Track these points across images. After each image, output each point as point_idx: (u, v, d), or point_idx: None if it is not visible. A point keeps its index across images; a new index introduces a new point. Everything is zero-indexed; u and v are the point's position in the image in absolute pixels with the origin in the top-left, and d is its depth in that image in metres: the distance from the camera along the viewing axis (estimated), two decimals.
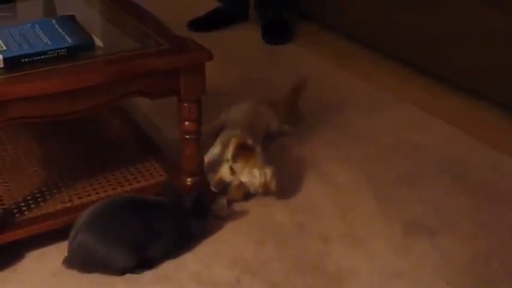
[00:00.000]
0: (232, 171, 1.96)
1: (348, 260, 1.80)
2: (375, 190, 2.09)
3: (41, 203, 1.85)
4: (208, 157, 2.03)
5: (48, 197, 1.87)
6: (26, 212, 1.81)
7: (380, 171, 2.19)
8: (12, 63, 1.62)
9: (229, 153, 1.96)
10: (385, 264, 1.78)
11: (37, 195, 1.88)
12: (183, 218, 1.79)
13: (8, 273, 1.72)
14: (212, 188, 1.95)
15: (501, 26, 2.43)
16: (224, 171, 1.97)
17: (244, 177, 1.96)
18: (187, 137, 1.85)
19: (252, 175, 1.95)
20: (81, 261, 1.69)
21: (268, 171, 1.95)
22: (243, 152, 1.96)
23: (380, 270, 1.76)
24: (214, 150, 2.07)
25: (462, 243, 1.86)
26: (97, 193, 1.89)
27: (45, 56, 1.66)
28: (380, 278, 1.74)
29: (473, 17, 2.53)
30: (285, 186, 2.08)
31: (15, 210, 1.81)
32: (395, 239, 1.88)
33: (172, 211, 1.79)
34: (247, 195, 2.01)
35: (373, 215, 1.98)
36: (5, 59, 1.61)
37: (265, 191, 1.97)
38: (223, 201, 1.97)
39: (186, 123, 1.82)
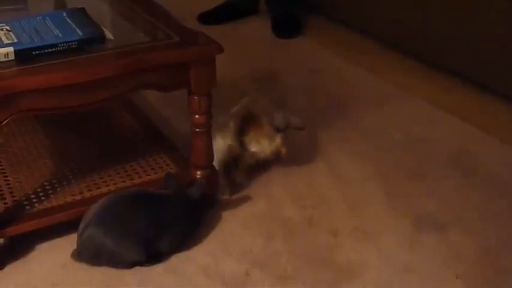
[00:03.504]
0: (242, 144, 2.01)
1: (357, 253, 1.79)
2: (385, 184, 2.09)
3: (51, 196, 1.85)
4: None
5: (58, 190, 1.88)
6: (36, 204, 1.81)
7: (390, 165, 2.19)
8: (23, 55, 1.62)
9: (233, 128, 2.00)
10: (394, 258, 1.78)
11: (47, 187, 1.89)
12: (190, 209, 1.79)
13: (18, 264, 1.73)
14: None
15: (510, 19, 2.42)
16: (232, 146, 2.01)
17: (254, 147, 2.00)
18: (197, 130, 1.85)
19: (262, 145, 2.00)
20: (90, 255, 1.70)
21: (278, 139, 2.00)
22: (248, 123, 2.01)
23: (389, 264, 1.76)
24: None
25: (472, 237, 1.86)
26: (107, 186, 1.90)
27: (56, 49, 1.66)
28: (389, 272, 1.74)
29: (483, 9, 2.52)
30: (294, 180, 2.09)
31: (25, 202, 1.82)
32: (405, 233, 1.87)
33: (178, 203, 1.79)
34: (259, 162, 2.06)
35: (382, 209, 1.97)
36: (16, 52, 1.61)
37: (277, 156, 2.02)
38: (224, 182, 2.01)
39: (196, 116, 1.82)
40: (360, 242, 1.84)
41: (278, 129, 2.30)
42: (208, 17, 3.33)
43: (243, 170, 2.05)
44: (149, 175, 1.96)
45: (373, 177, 2.12)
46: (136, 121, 2.26)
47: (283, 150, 2.01)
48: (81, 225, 1.70)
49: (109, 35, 1.75)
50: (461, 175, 2.14)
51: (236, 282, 1.70)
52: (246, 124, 2.01)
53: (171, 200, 1.79)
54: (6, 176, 1.93)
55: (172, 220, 1.75)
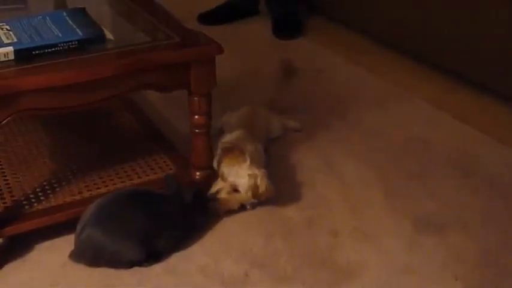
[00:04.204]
0: (223, 177, 1.91)
1: (357, 254, 1.79)
2: (385, 185, 2.08)
3: (51, 195, 1.85)
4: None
5: (57, 189, 1.88)
6: (35, 204, 1.81)
7: (389, 166, 2.19)
8: (23, 55, 1.62)
9: (216, 159, 1.95)
10: (394, 259, 1.78)
11: (46, 187, 1.89)
12: (187, 210, 1.79)
13: (18, 264, 1.73)
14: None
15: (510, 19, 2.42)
16: (217, 183, 1.91)
17: (231, 177, 1.89)
18: (197, 130, 1.85)
19: (239, 175, 1.88)
20: (89, 255, 1.70)
21: (259, 173, 1.88)
22: (230, 154, 1.92)
23: (389, 265, 1.76)
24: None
25: (471, 238, 1.86)
26: (106, 186, 1.90)
27: (56, 49, 1.66)
28: (389, 273, 1.73)
29: (483, 9, 2.52)
30: (294, 180, 2.08)
31: (24, 202, 1.82)
32: (404, 235, 1.87)
33: (176, 203, 1.78)
34: (242, 204, 1.93)
35: (382, 210, 1.97)
36: (16, 51, 1.62)
37: (255, 193, 1.88)
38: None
39: (196, 117, 1.83)
40: (360, 242, 1.84)
41: (275, 137, 2.31)
42: (209, 18, 3.32)
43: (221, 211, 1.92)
44: (148, 175, 1.96)
45: (373, 177, 2.12)
46: (137, 121, 2.26)
47: (263, 186, 1.87)
48: (78, 227, 1.70)
49: (109, 35, 1.75)
50: (461, 176, 2.14)
51: (235, 282, 1.70)
52: (226, 154, 1.92)
53: (167, 199, 1.78)
54: (6, 176, 1.93)
55: (169, 219, 1.75)
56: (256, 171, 1.88)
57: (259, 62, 2.95)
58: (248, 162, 1.89)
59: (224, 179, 1.90)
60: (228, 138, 2.05)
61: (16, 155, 2.04)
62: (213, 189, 1.90)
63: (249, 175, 1.87)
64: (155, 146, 2.10)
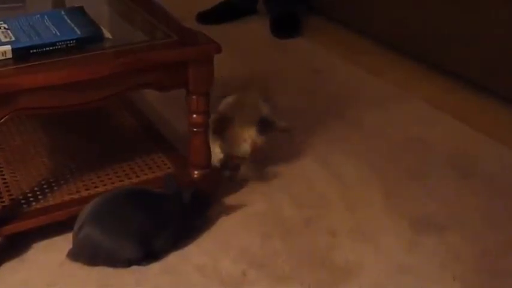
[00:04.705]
0: (222, 148, 2.01)
1: (355, 254, 1.79)
2: (383, 185, 2.08)
3: (48, 194, 1.85)
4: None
5: (55, 188, 1.87)
6: (33, 203, 1.81)
7: (388, 166, 2.18)
8: (21, 54, 1.62)
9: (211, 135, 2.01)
10: (392, 259, 1.78)
11: (44, 186, 1.88)
12: (186, 210, 1.79)
13: (15, 263, 1.73)
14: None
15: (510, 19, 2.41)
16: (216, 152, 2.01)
17: (234, 149, 1.99)
18: (195, 129, 1.85)
19: (239, 143, 1.98)
20: (87, 254, 1.69)
21: (251, 131, 1.98)
22: (224, 126, 1.99)
23: (387, 265, 1.76)
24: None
25: (470, 239, 1.85)
26: (104, 185, 1.89)
27: (54, 47, 1.66)
28: (387, 273, 1.73)
29: (483, 9, 2.51)
30: (293, 180, 2.08)
31: (22, 201, 1.81)
32: (403, 235, 1.87)
33: (174, 203, 1.78)
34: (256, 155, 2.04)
35: (381, 210, 1.97)
36: (14, 50, 1.61)
37: (254, 149, 1.99)
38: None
39: (194, 115, 1.82)
40: (358, 242, 1.84)
41: (266, 121, 2.30)
42: (207, 17, 3.32)
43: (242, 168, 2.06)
44: (147, 174, 1.95)
45: (372, 177, 2.12)
46: (135, 120, 2.26)
47: (258, 141, 1.99)
48: (76, 226, 1.69)
49: (107, 34, 1.75)
50: (460, 176, 2.13)
51: (233, 282, 1.69)
52: (222, 128, 2.00)
53: (165, 199, 1.78)
54: (3, 175, 1.93)
55: (167, 218, 1.74)
56: (247, 133, 1.98)
57: (257, 61, 2.95)
58: (237, 130, 1.98)
59: (232, 155, 2.01)
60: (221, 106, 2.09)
61: (14, 154, 2.04)
62: (217, 159, 2.01)
63: (245, 140, 1.98)
64: (154, 146, 2.09)
